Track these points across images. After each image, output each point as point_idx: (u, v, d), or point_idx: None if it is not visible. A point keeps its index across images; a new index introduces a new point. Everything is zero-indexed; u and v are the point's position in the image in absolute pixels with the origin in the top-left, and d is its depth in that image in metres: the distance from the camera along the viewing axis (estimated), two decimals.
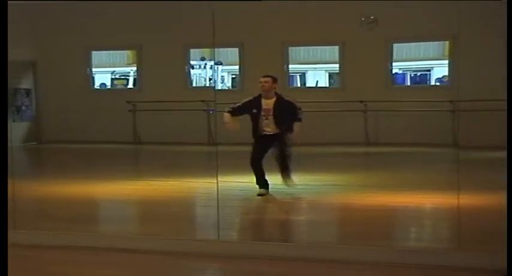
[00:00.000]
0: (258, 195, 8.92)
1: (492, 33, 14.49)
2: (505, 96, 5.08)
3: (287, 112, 9.09)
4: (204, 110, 16.45)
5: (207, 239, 6.53)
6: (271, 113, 9.06)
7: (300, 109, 9.21)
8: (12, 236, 5.92)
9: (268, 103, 9.11)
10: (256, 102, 9.13)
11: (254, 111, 9.08)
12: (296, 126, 9.11)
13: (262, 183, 9.04)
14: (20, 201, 6.93)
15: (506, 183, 4.47)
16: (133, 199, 9.40)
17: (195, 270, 5.60)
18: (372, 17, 15.67)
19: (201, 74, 19.03)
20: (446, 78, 17.02)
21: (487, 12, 13.75)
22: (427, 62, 18.21)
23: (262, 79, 9.16)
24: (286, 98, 9.26)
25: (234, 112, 9.13)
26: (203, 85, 18.92)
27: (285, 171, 9.19)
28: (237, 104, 9.19)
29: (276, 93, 9.17)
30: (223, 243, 6.11)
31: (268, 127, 9.09)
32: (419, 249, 6.10)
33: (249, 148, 9.23)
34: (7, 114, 4.89)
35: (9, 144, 5.52)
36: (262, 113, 9.07)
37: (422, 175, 11.13)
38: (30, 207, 8.46)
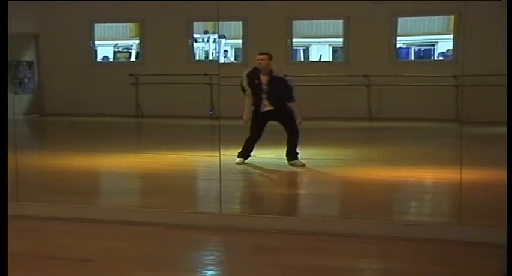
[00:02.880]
0: (237, 164, 9.23)
1: (498, 8, 14.42)
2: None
3: (280, 89, 9.31)
4: (207, 84, 16.44)
5: (209, 212, 6.56)
6: (267, 89, 9.20)
7: (292, 88, 9.37)
8: (15, 208, 5.99)
9: (264, 79, 9.26)
10: (255, 73, 9.35)
11: (256, 81, 9.22)
12: (292, 105, 9.26)
13: (244, 155, 9.34)
14: (22, 174, 6.97)
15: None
16: (135, 172, 9.44)
17: (197, 243, 5.64)
18: None
19: (204, 47, 19.00)
20: (450, 52, 16.97)
21: None
22: (431, 37, 18.17)
23: (259, 56, 9.37)
24: (279, 75, 9.44)
25: (246, 89, 9.31)
26: (206, 58, 18.91)
27: (291, 150, 9.26)
28: (243, 81, 9.29)
29: (270, 70, 9.29)
30: (225, 216, 6.15)
31: (265, 102, 9.22)
32: (420, 223, 6.13)
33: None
34: (7, 89, 4.89)
35: (11, 116, 5.53)
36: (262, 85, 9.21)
37: (425, 150, 11.16)
38: (33, 180, 8.51)
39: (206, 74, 16.20)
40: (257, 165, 9.33)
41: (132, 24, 19.23)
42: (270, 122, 9.35)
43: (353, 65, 16.62)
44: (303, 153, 9.46)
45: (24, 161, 7.61)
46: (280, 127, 9.40)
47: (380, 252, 5.28)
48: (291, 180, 8.88)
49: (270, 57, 9.35)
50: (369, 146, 12.30)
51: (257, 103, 9.27)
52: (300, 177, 9.01)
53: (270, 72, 9.31)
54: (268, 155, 9.81)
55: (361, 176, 8.66)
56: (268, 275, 4.81)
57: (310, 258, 5.14)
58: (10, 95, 5.55)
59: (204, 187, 8.68)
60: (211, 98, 16.56)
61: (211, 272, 4.92)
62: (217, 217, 6.14)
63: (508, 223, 4.13)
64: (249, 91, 9.28)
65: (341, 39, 17.31)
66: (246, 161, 9.36)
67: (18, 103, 16.34)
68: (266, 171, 9.12)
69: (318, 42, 18.82)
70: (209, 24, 18.75)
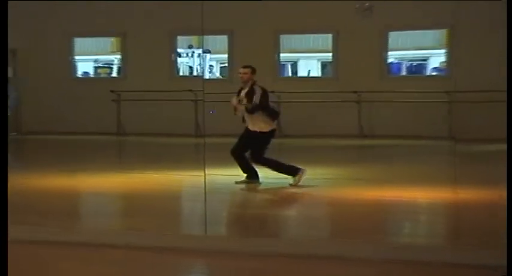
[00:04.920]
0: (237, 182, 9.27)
1: (491, 22, 14.56)
2: (504, 87, 5.13)
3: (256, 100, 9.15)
4: (191, 100, 16.46)
5: (194, 234, 6.54)
6: (245, 102, 9.17)
7: (263, 94, 9.13)
8: None
9: (243, 93, 9.25)
10: (240, 89, 9.37)
11: (238, 97, 9.23)
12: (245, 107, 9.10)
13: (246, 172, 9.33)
14: None
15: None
16: (117, 193, 9.41)
17: (181, 267, 5.62)
18: (367, 4, 15.69)
19: (188, 62, 19.02)
20: (444, 65, 17.06)
21: (485, 1, 13.81)
22: (423, 52, 18.25)
23: (241, 70, 9.30)
24: (258, 86, 9.24)
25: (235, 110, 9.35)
26: (190, 74, 18.92)
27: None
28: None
29: (252, 84, 9.20)
30: (210, 238, 6.14)
31: (247, 119, 9.24)
32: (413, 244, 6.13)
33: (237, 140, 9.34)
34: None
35: None
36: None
37: (418, 168, 11.18)
38: (11, 201, 8.44)
39: (191, 90, 16.23)
40: (244, 185, 9.32)
41: (113, 39, 19.23)
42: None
43: (343, 81, 16.69)
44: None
45: None
46: (273, 145, 9.37)
47: None
48: (279, 201, 8.88)
49: (253, 71, 9.21)
50: (359, 164, 12.32)
51: (243, 120, 9.28)
52: (288, 197, 9.01)
53: (251, 87, 9.20)
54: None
55: (351, 196, 8.67)
56: None
57: None
58: None
59: (188, 208, 8.67)
60: (196, 115, 16.57)
61: None
62: (203, 239, 6.12)
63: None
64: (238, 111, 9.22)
65: (330, 54, 17.40)
66: (230, 181, 9.29)
67: None
68: (253, 191, 9.11)
69: (307, 57, 18.88)
70: (193, 39, 18.77)
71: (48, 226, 6.61)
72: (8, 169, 5.07)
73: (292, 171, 9.15)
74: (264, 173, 9.37)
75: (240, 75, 9.25)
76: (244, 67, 9.30)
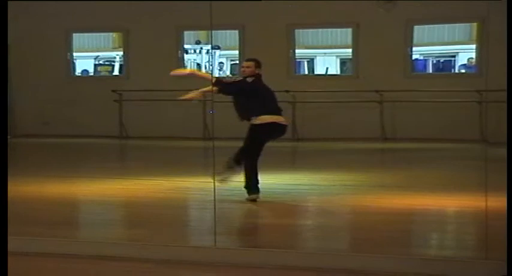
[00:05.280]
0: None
1: None
2: None
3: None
4: (199, 100, 16.47)
5: (202, 245, 6.55)
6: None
7: (251, 81, 8.95)
8: None
9: None
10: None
11: None
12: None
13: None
14: None
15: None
16: (118, 200, 9.44)
17: None
18: None
19: (196, 59, 19.08)
20: (473, 62, 17.02)
21: None
22: (451, 47, 18.22)
23: (245, 63, 9.15)
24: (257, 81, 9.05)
25: None
26: None
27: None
28: None
29: (254, 79, 9.00)
30: (220, 250, 6.14)
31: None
32: (441, 258, 6.12)
33: None
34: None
35: None
36: None
37: (446, 174, 11.16)
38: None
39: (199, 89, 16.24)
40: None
41: (115, 34, 19.31)
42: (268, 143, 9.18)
43: (364, 79, 16.68)
44: (307, 178, 9.45)
45: None
46: (280, 149, 9.35)
47: None
48: (295, 209, 8.87)
49: (257, 64, 8.99)
50: (382, 170, 12.31)
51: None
52: (304, 205, 9.00)
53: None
54: (268, 181, 9.78)
55: (372, 204, 8.66)
56: None
57: None
58: None
59: (196, 217, 8.68)
60: (204, 116, 16.60)
61: None
62: (212, 251, 6.13)
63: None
64: None
65: (350, 50, 17.38)
66: (242, 188, 9.18)
67: None
68: (267, 199, 9.10)
69: (324, 53, 18.90)
70: (201, 34, 18.83)
71: (45, 236, 6.63)
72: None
73: (253, 188, 8.91)
74: (280, 180, 9.37)
75: (243, 69, 9.05)
76: (248, 60, 9.15)
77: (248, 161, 8.84)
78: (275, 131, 8.99)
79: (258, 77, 8.98)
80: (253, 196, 8.82)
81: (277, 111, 9.00)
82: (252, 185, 8.84)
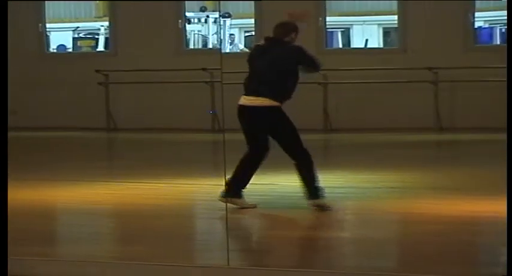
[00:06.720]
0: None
1: None
2: None
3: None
4: (206, 82, 16.55)
5: (213, 264, 6.63)
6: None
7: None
8: None
9: None
10: None
11: None
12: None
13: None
14: None
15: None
16: (107, 209, 9.52)
17: None
18: None
19: (201, 30, 19.13)
20: None
21: None
22: None
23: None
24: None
25: None
26: (204, 47, 19.03)
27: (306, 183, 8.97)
28: None
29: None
30: (234, 270, 6.22)
31: None
32: None
33: None
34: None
35: None
36: None
37: None
38: None
39: (204, 69, 16.31)
40: (277, 197, 9.36)
41: (98, 1, 19.38)
42: None
43: (413, 54, 16.68)
44: (343, 179, 9.48)
45: None
46: (308, 143, 9.31)
47: None
48: (327, 219, 8.91)
49: (282, 29, 9.14)
50: (436, 168, 12.33)
51: None
52: (338, 213, 9.04)
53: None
54: (293, 183, 9.76)
55: (427, 212, 8.70)
56: None
57: None
58: None
59: (204, 229, 8.74)
60: (213, 101, 16.66)
61: None
62: (224, 272, 6.21)
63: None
64: None
65: (395, 17, 17.40)
66: (261, 192, 9.26)
67: None
68: (293, 205, 9.14)
69: (363, 21, 18.93)
70: None
71: (15, 255, 6.70)
72: None
73: (237, 191, 8.79)
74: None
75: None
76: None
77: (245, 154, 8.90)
78: (240, 116, 8.92)
79: (272, 43, 9.03)
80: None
81: (255, 89, 8.84)
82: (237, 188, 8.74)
